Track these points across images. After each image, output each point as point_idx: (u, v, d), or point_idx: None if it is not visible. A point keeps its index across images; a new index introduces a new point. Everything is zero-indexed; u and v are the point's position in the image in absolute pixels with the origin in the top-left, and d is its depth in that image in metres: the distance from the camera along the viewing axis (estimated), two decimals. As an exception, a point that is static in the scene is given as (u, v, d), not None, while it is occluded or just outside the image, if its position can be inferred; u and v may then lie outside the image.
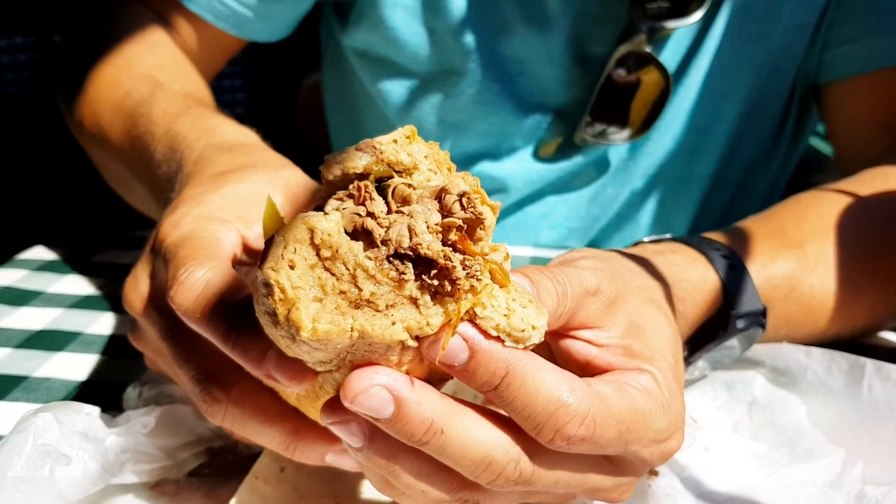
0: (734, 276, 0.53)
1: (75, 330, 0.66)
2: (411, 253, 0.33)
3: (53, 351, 0.63)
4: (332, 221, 0.33)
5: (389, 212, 0.34)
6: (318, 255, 0.32)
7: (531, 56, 0.81)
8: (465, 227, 0.34)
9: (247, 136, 0.58)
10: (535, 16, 0.79)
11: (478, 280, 0.33)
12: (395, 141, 0.35)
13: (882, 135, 0.78)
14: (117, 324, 0.68)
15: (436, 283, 0.33)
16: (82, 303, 0.71)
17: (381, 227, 0.33)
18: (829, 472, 0.49)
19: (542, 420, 0.34)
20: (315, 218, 0.33)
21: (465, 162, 0.87)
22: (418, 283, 0.33)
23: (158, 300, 0.45)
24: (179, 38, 0.81)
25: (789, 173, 0.95)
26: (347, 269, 0.33)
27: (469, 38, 0.80)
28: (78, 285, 0.75)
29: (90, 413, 0.45)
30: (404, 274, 0.33)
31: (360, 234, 0.33)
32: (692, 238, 0.56)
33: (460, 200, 0.34)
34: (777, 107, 0.86)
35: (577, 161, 0.86)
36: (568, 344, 0.41)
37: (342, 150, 0.35)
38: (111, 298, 0.72)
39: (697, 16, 0.76)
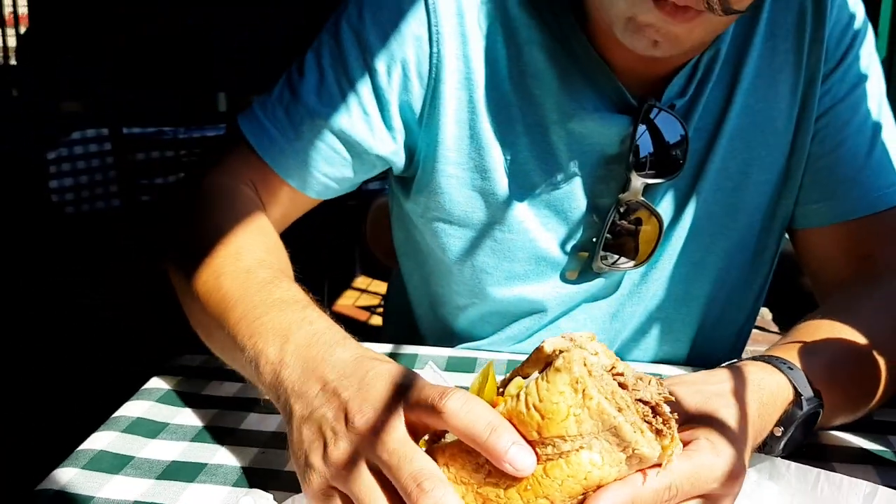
0: (795, 375, 0.73)
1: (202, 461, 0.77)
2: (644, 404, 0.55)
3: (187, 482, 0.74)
4: (596, 358, 0.56)
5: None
6: (590, 374, 0.53)
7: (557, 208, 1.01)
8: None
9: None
10: (556, 180, 0.99)
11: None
12: (596, 354, 0.56)
13: (851, 263, 0.97)
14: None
15: (660, 425, 0.55)
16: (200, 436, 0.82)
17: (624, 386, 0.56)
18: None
19: None
20: (586, 353, 0.55)
21: (512, 288, 1.05)
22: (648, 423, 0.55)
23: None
24: (276, 212, 0.98)
25: (769, 282, 1.13)
26: (607, 387, 0.54)
27: (510, 197, 0.99)
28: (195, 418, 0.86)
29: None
30: (648, 415, 0.55)
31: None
32: (764, 357, 0.75)
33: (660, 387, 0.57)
34: (754, 240, 1.06)
35: (598, 283, 1.04)
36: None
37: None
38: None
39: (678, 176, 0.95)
